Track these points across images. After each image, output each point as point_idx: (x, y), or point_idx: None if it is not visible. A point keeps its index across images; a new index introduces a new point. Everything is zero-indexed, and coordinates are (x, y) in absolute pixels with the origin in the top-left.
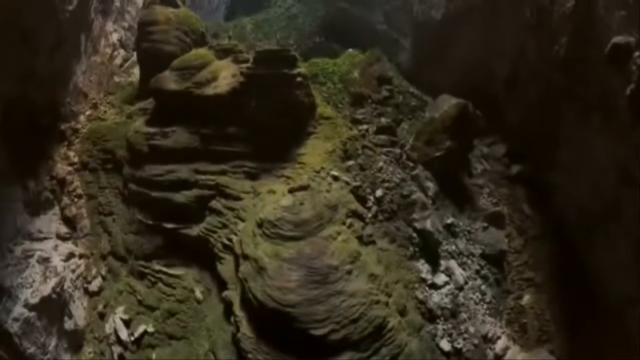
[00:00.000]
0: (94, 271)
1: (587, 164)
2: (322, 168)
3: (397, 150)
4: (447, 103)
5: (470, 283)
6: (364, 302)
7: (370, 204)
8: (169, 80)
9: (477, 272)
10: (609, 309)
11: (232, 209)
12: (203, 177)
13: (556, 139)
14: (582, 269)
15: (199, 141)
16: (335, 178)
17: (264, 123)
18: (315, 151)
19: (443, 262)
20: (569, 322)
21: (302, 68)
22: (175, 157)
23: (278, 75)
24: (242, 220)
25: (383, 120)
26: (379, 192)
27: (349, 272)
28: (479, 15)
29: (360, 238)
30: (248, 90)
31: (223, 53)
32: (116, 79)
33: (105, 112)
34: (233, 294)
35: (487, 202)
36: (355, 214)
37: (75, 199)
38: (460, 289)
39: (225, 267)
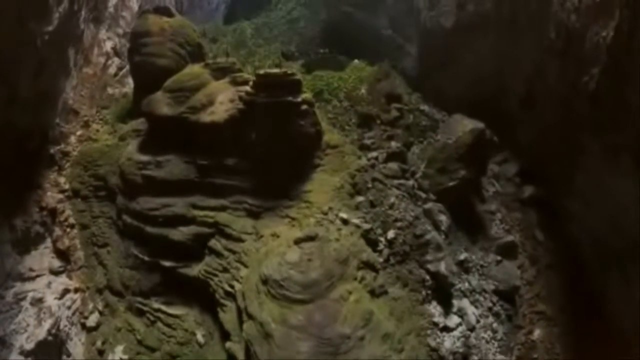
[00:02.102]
0: (90, 306)
1: (608, 198)
2: (330, 208)
3: (410, 182)
4: (461, 125)
5: (482, 321)
6: None
7: (381, 246)
8: (162, 104)
9: (490, 309)
10: (621, 344)
11: (232, 252)
12: (201, 212)
13: (574, 166)
14: (594, 302)
15: (196, 173)
16: (345, 221)
17: (266, 156)
18: (322, 187)
19: (455, 302)
20: (579, 356)
21: (307, 93)
22: (170, 190)
23: (281, 104)
24: (244, 265)
25: (393, 144)
26: (390, 234)
27: (362, 338)
28: (492, 26)
29: (372, 291)
30: (248, 119)
31: (220, 72)
32: (110, 90)
33: (97, 131)
34: (237, 347)
35: (499, 229)
36: (366, 264)
37: (68, 230)
38: (472, 329)
39: (228, 316)
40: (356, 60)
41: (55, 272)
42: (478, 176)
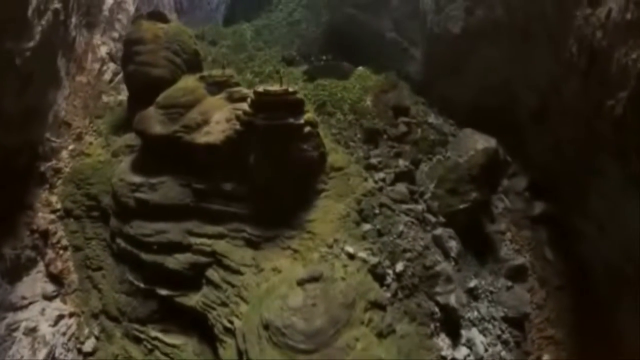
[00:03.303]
0: (86, 331)
1: (624, 224)
2: (335, 240)
3: (419, 207)
4: (472, 141)
5: (490, 350)
6: None
7: (389, 280)
8: (154, 121)
9: (498, 337)
10: None
11: (231, 285)
12: (197, 240)
13: (589, 187)
14: (603, 326)
15: (191, 197)
16: (351, 256)
17: (265, 181)
18: (326, 216)
19: (464, 333)
20: None
21: (310, 109)
22: (165, 214)
23: (281, 127)
24: (244, 300)
25: (401, 163)
26: (399, 266)
27: None
28: (503, 33)
29: (380, 333)
30: (245, 141)
31: (216, 87)
32: (105, 98)
33: (90, 144)
34: None
35: (509, 250)
36: (374, 304)
37: (61, 252)
38: (481, 359)
39: (228, 353)
40: (360, 68)
41: (48, 297)
42: (490, 197)
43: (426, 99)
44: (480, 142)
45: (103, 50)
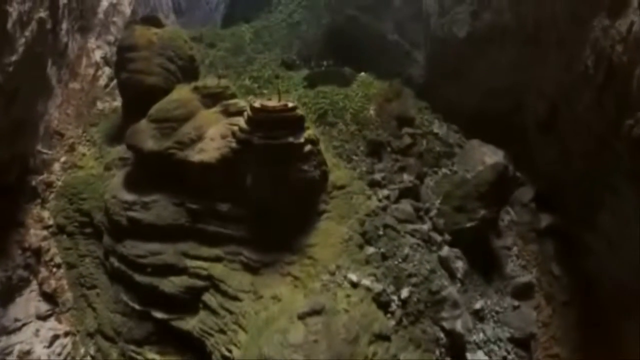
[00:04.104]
0: (82, 350)
1: (635, 244)
2: (338, 267)
3: (425, 227)
4: (479, 153)
5: None
6: None
7: (394, 307)
8: (146, 136)
9: (504, 358)
10: None
11: (229, 311)
12: (193, 263)
13: (599, 203)
14: (609, 344)
15: (186, 217)
16: (354, 284)
17: (263, 203)
18: (327, 240)
19: (469, 356)
20: None
21: (310, 129)
22: (159, 235)
23: (280, 147)
24: (243, 329)
25: (406, 178)
26: (404, 292)
27: None
28: (511, 39)
29: None
30: (242, 160)
31: (210, 99)
32: (99, 105)
33: (83, 155)
34: None
35: (515, 266)
36: (378, 336)
37: (54, 269)
38: None
39: None
40: (363, 74)
41: (42, 317)
42: (498, 214)
43: (429, 103)
44: (487, 156)
45: (97, 55)
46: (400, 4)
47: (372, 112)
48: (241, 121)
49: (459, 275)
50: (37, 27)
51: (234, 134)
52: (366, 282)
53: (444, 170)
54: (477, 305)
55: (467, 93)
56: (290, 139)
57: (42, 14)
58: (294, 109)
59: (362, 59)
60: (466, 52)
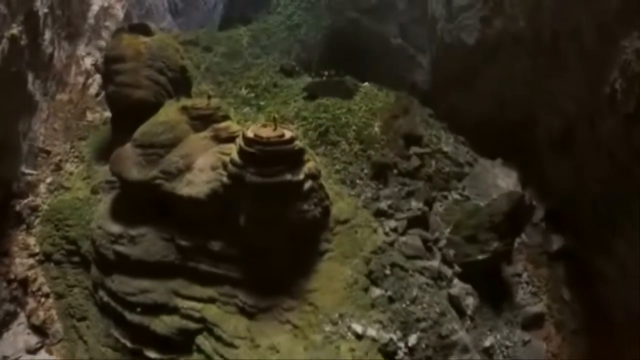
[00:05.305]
0: None
1: None
2: (341, 316)
3: (435, 264)
4: (492, 177)
5: None
6: None
7: (401, 355)
8: (131, 163)
9: None
10: None
11: (225, 358)
12: (185, 304)
13: (615, 229)
14: None
15: (176, 254)
16: (359, 336)
17: (259, 242)
18: (330, 284)
19: None
20: None
21: (311, 162)
22: (148, 271)
23: (277, 186)
24: None
25: (414, 205)
26: (412, 339)
27: None
28: (524, 48)
29: None
30: (234, 195)
31: (200, 122)
32: (89, 116)
33: (70, 174)
34: None
35: (525, 294)
36: None
37: (42, 300)
38: None
39: None
40: (366, 84)
41: (32, 351)
42: (512, 246)
43: (434, 111)
44: (500, 178)
45: (88, 62)
46: (404, 6)
47: (377, 129)
48: (233, 151)
49: (469, 312)
50: (9, 45)
51: (225, 165)
52: (371, 332)
53: (454, 194)
54: (487, 343)
55: (476, 102)
56: (288, 177)
57: (15, 30)
58: (291, 140)
59: (365, 63)
60: (475, 59)
